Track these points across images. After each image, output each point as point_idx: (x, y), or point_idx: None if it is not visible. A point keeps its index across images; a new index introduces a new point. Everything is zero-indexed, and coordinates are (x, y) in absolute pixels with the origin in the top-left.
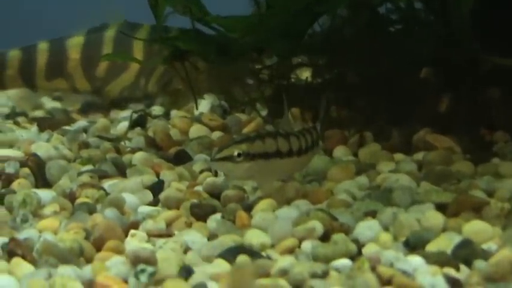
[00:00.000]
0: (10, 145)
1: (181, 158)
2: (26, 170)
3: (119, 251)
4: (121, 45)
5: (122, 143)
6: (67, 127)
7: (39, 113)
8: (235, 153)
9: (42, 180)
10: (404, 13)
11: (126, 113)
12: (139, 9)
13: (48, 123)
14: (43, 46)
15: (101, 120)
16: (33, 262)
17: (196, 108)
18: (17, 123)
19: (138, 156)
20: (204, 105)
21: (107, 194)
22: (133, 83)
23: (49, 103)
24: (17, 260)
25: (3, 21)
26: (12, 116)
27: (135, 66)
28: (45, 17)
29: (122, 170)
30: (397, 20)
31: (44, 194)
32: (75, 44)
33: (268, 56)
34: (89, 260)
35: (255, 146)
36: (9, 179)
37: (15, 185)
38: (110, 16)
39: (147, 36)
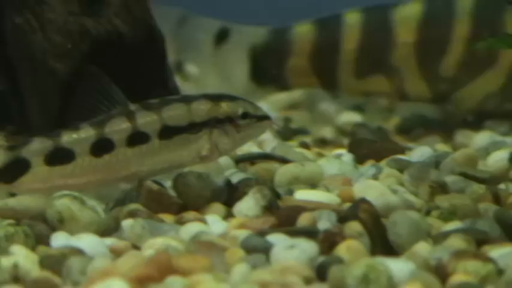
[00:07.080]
0: (312, 183)
1: None
2: (355, 226)
3: None
4: (485, 20)
5: (502, 185)
6: (401, 156)
7: (327, 132)
8: None
9: (382, 242)
10: None
11: (484, 136)
12: None
13: (368, 150)
14: (353, 18)
15: (464, 149)
16: None
17: None
18: (304, 147)
19: None
20: None
21: (499, 269)
22: (505, 87)
23: (343, 116)
24: None
25: None
26: (288, 135)
27: (508, 60)
28: None
29: (510, 231)
30: None
31: (395, 265)
32: (406, 16)
33: None
34: None
35: None
36: (330, 240)
37: (341, 249)
38: None
39: None
